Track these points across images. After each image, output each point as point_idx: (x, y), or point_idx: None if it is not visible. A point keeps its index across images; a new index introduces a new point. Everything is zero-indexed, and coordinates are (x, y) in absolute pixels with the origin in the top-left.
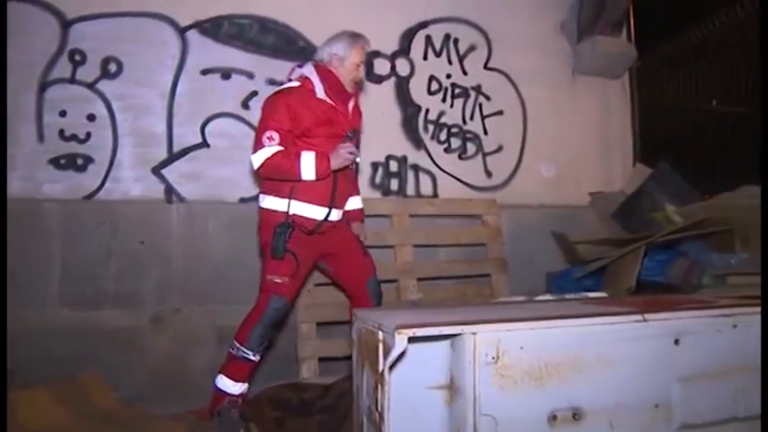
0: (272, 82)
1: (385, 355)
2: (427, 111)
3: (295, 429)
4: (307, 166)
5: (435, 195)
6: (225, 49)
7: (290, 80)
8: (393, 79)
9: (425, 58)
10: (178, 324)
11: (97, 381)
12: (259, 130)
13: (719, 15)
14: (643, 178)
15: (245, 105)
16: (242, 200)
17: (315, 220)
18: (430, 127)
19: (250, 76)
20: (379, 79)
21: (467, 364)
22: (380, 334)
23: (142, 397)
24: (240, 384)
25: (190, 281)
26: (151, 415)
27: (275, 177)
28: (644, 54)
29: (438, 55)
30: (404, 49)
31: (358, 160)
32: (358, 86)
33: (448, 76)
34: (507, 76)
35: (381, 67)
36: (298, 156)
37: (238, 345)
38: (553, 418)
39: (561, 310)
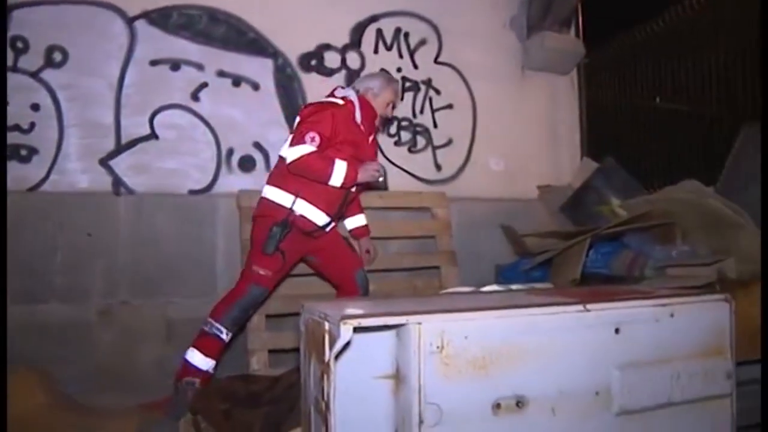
0: (222, 74)
1: (331, 345)
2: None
3: (242, 421)
4: (339, 172)
5: (385, 188)
6: (174, 40)
7: (334, 96)
8: (343, 72)
9: (376, 51)
10: (127, 317)
11: (42, 377)
12: (303, 128)
13: (663, 15)
14: (590, 172)
15: (195, 97)
16: (191, 192)
17: (315, 224)
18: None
19: (200, 67)
20: (329, 72)
21: (412, 354)
22: (326, 325)
23: (89, 392)
24: (209, 360)
25: (139, 274)
26: (99, 410)
27: (303, 174)
28: (592, 51)
29: (389, 48)
30: (355, 43)
31: (381, 179)
32: (382, 123)
33: (399, 70)
34: (457, 70)
35: (331, 60)
36: (333, 161)
37: (211, 321)
38: (497, 406)
39: (505, 301)
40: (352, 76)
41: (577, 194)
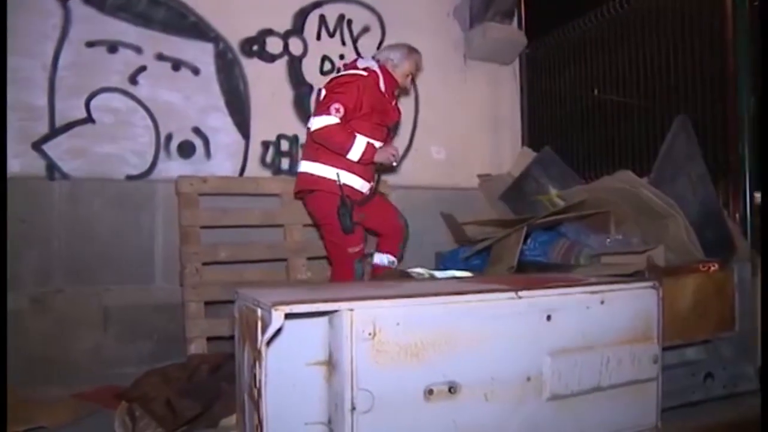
0: (162, 57)
1: (263, 331)
2: (320, 91)
3: (181, 408)
4: (358, 148)
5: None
6: (111, 22)
7: (356, 68)
8: (285, 58)
9: (318, 38)
10: (61, 305)
11: None
12: (329, 99)
13: (602, 8)
14: (528, 162)
15: (133, 80)
16: (129, 177)
17: (362, 192)
18: None
19: (139, 50)
20: (271, 58)
21: (344, 340)
22: (259, 312)
23: (22, 382)
24: None
25: (75, 261)
26: (32, 401)
27: (324, 143)
28: (534, 42)
29: (331, 35)
30: (298, 29)
31: (395, 164)
32: (403, 92)
33: (341, 57)
34: None
35: (273, 45)
36: (354, 136)
37: None
38: (429, 392)
39: (437, 288)
40: (294, 62)
41: (517, 183)
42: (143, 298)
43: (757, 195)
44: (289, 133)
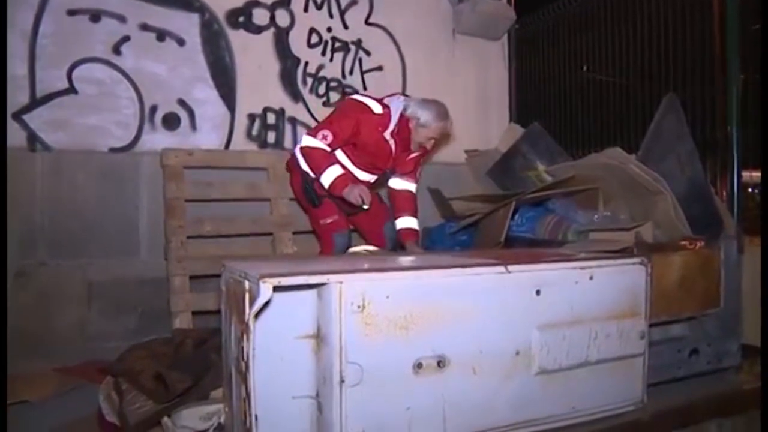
0: (146, 27)
1: (251, 304)
2: (307, 64)
3: (173, 380)
4: (329, 176)
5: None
6: None
7: (382, 102)
8: (272, 30)
9: (306, 10)
10: (44, 279)
11: None
12: (325, 123)
13: None
14: (516, 137)
15: (116, 50)
16: (113, 150)
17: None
18: (309, 80)
19: (122, 19)
20: (258, 30)
21: (333, 314)
22: (246, 284)
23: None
24: None
25: (58, 234)
26: (14, 375)
27: (306, 160)
28: (523, 17)
29: (319, 7)
30: (285, 0)
31: (365, 207)
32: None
33: (329, 30)
34: (388, 32)
35: (260, 17)
36: (330, 164)
37: None
38: (418, 365)
39: (427, 262)
40: (280, 35)
41: (504, 159)
42: (128, 272)
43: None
44: (276, 106)
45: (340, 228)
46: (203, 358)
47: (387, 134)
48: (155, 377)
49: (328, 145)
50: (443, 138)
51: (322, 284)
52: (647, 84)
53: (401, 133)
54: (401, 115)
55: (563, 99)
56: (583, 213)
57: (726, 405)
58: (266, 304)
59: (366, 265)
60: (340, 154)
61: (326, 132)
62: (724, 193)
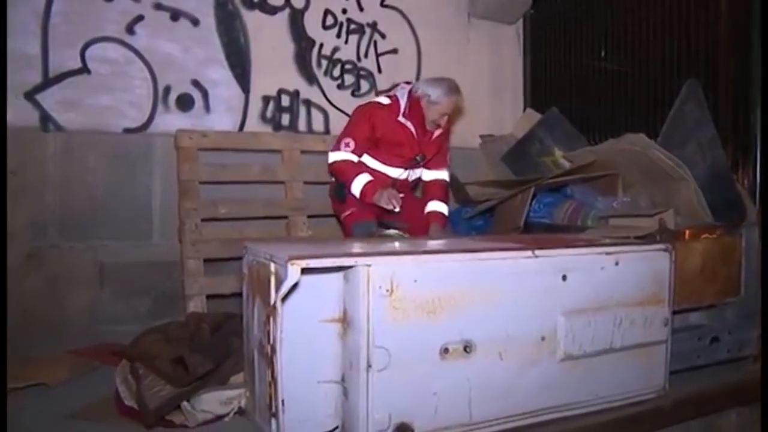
0: (159, 6)
1: (277, 287)
2: (321, 46)
3: (195, 363)
4: (357, 185)
5: (327, 132)
6: None
7: (388, 96)
8: (287, 11)
9: None
10: (56, 261)
11: None
12: (342, 134)
13: None
14: (532, 123)
15: (130, 30)
16: (126, 131)
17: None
18: (324, 63)
19: None
20: (273, 10)
21: (361, 297)
22: (272, 266)
23: (15, 339)
24: None
25: (69, 216)
26: (28, 358)
27: (336, 175)
28: (539, 2)
29: None
30: None
31: (396, 209)
32: (434, 126)
33: (344, 11)
34: (403, 14)
35: None
36: (357, 174)
37: None
38: (444, 350)
39: (455, 245)
40: (295, 16)
41: (520, 144)
42: (140, 255)
43: None
44: (290, 88)
45: (358, 219)
46: (224, 343)
47: (401, 118)
48: (173, 361)
49: (353, 152)
50: (456, 113)
51: (350, 267)
52: (667, 70)
53: (413, 112)
54: (411, 97)
55: (578, 85)
56: (602, 199)
57: (746, 393)
58: (293, 287)
59: (394, 248)
60: (368, 159)
61: (347, 140)
62: (746, 182)
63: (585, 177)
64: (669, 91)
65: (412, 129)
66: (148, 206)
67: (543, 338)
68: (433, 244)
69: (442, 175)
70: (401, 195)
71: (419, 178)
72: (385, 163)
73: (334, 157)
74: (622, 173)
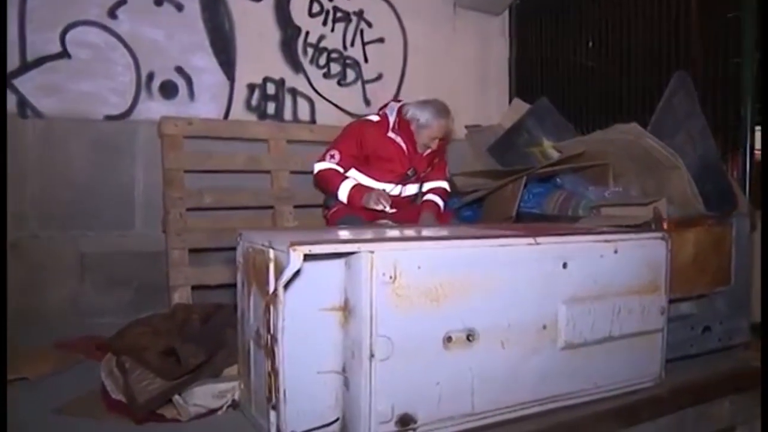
0: None
1: (277, 274)
2: (308, 33)
3: (187, 354)
4: (344, 190)
5: (312, 121)
6: None
7: (377, 114)
8: None
9: None
10: (36, 251)
11: None
12: (329, 146)
13: None
14: (520, 113)
15: (112, 14)
16: (108, 118)
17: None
18: (310, 51)
19: None
20: None
21: (364, 284)
22: (271, 253)
23: None
24: None
25: (50, 205)
26: (10, 351)
27: (321, 185)
28: None
29: None
30: None
31: (387, 209)
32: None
33: None
34: (389, 3)
35: None
36: (341, 180)
37: None
38: (448, 339)
39: (457, 232)
40: (281, 2)
41: (507, 135)
42: (122, 245)
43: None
44: (276, 76)
45: (340, 216)
46: (216, 333)
47: (390, 133)
48: (163, 353)
49: (338, 164)
50: (447, 136)
51: (353, 253)
52: (655, 61)
53: (403, 128)
54: (400, 115)
55: (565, 76)
56: (593, 189)
57: (739, 382)
58: (295, 274)
59: (397, 234)
60: (358, 175)
61: (333, 152)
62: (734, 172)
63: (575, 167)
64: (658, 82)
65: (402, 144)
66: (130, 195)
67: (544, 326)
68: (434, 230)
69: (442, 183)
70: (394, 210)
71: (416, 194)
72: (376, 179)
73: (318, 166)
74: (613, 163)
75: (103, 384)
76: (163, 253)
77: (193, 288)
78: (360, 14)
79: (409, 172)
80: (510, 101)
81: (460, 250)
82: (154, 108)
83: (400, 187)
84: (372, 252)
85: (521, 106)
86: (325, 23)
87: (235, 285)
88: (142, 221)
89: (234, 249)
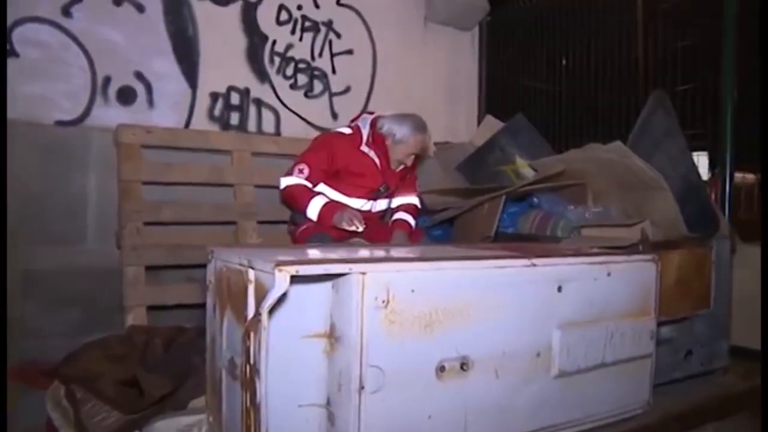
0: None
1: (258, 297)
2: (275, 42)
3: (150, 385)
4: (314, 208)
5: (278, 133)
6: None
7: (349, 126)
8: (240, 3)
9: None
10: None
11: None
12: (297, 160)
13: None
14: (493, 131)
15: (66, 12)
16: (59, 123)
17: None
18: (277, 60)
19: None
20: (225, 1)
21: (354, 309)
22: (251, 273)
23: None
24: None
25: None
26: None
27: (289, 202)
28: (496, 9)
29: None
30: None
31: (359, 229)
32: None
33: (299, 8)
34: (359, 14)
35: None
36: (311, 197)
37: None
38: (441, 368)
39: (448, 252)
40: (248, 9)
41: (479, 153)
42: (71, 261)
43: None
44: (241, 86)
45: (310, 234)
46: (181, 361)
47: (363, 147)
48: (120, 383)
49: (306, 179)
50: (423, 152)
51: (341, 275)
52: (630, 79)
53: (377, 142)
54: (374, 128)
55: (535, 94)
56: (573, 208)
57: (722, 407)
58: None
59: (389, 254)
60: (326, 189)
61: (301, 166)
62: (715, 192)
63: (553, 185)
64: (635, 101)
65: (375, 159)
66: (82, 207)
67: (538, 354)
68: (425, 250)
69: (412, 200)
70: (364, 226)
71: (385, 210)
72: (346, 194)
73: (285, 182)
74: (592, 182)
75: (49, 417)
76: (116, 271)
77: (149, 308)
78: (329, 24)
79: (381, 188)
80: (479, 117)
81: (456, 272)
82: (111, 114)
83: (371, 203)
84: (364, 273)
85: (494, 124)
86: (293, 32)
87: (196, 305)
88: (94, 235)
89: (196, 266)
